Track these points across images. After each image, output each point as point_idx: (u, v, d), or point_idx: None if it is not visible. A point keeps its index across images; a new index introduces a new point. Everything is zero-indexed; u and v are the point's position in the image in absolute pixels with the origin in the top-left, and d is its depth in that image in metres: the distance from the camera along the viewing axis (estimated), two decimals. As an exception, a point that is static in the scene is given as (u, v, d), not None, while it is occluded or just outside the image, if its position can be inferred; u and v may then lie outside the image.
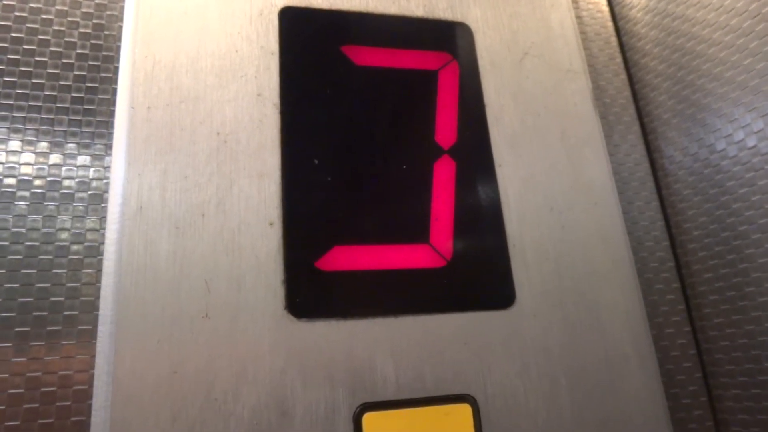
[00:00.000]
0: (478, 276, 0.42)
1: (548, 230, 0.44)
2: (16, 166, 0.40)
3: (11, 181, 0.39)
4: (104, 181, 0.41)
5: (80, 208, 0.41)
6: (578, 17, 0.54)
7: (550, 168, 0.46)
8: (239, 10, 0.44)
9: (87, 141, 0.41)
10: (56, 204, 0.40)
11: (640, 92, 0.53)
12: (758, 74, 0.42)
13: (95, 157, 0.41)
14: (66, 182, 0.40)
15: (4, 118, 0.40)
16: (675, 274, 0.49)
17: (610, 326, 0.42)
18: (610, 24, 0.55)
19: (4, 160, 0.39)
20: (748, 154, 0.43)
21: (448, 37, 0.48)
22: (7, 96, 0.41)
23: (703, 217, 0.47)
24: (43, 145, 0.41)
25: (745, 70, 0.43)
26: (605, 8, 0.56)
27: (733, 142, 0.44)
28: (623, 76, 0.53)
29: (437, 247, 0.42)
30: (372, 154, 0.43)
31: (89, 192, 0.40)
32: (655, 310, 0.48)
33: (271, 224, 0.39)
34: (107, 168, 0.41)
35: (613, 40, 0.54)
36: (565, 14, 0.51)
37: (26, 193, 0.40)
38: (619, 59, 0.54)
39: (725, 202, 0.45)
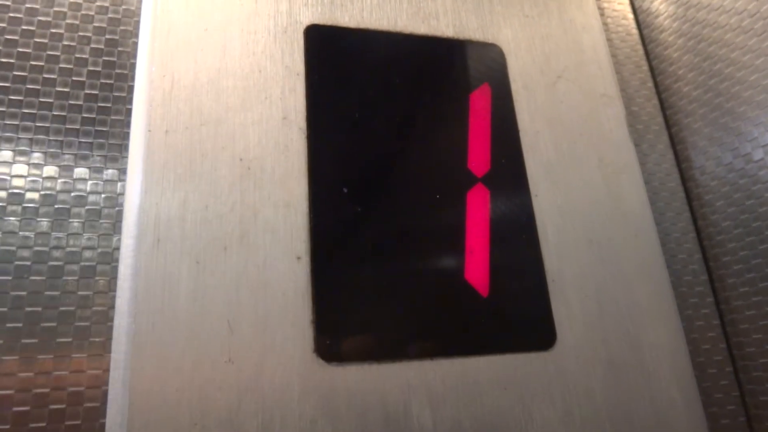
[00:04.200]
0: (517, 314, 0.39)
1: (588, 264, 0.41)
2: (21, 192, 0.37)
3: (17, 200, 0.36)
4: (117, 209, 0.38)
5: (93, 213, 0.37)
6: (608, 40, 0.52)
7: (588, 197, 0.43)
8: (263, 27, 0.41)
9: (98, 166, 0.38)
10: (66, 214, 0.37)
11: (667, 101, 0.52)
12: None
13: (107, 183, 0.38)
14: (75, 210, 0.37)
15: (9, 140, 0.37)
16: (709, 288, 0.47)
17: (655, 366, 0.40)
18: (640, 47, 0.53)
19: (8, 186, 0.36)
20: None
21: (479, 59, 0.45)
22: (13, 116, 0.37)
23: (739, 228, 0.45)
24: (50, 170, 0.37)
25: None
26: (635, 31, 0.54)
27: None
28: (655, 101, 0.51)
29: (473, 282, 0.39)
30: (403, 181, 0.40)
31: (101, 195, 0.37)
32: (690, 325, 0.46)
33: (298, 258, 0.36)
34: (120, 195, 0.38)
35: (644, 64, 0.52)
36: (597, 37, 0.49)
37: (17, 208, 0.36)
38: (650, 83, 0.52)
39: (763, 213, 0.43)
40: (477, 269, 0.39)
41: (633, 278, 0.42)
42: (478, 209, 0.41)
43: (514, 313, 0.39)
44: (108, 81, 0.40)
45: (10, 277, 0.34)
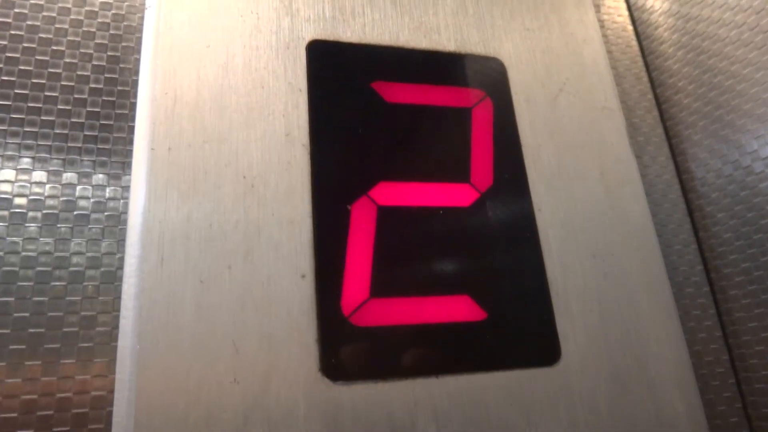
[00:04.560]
0: (522, 329, 0.39)
1: (591, 278, 0.41)
2: (24, 212, 0.36)
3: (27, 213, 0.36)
4: (120, 227, 0.38)
5: (95, 230, 0.37)
6: (608, 52, 0.53)
7: (591, 210, 0.43)
8: (265, 43, 0.41)
9: (101, 184, 0.38)
10: (69, 226, 0.37)
11: (667, 112, 0.52)
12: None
13: (110, 201, 0.38)
14: (77, 229, 0.37)
15: (10, 158, 0.37)
16: (711, 300, 0.48)
17: (658, 379, 0.40)
18: (640, 60, 0.54)
19: (10, 206, 0.36)
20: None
21: (481, 73, 0.46)
22: (15, 134, 0.37)
23: (740, 240, 0.46)
24: (52, 189, 0.37)
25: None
26: (634, 43, 0.54)
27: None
28: (655, 113, 0.52)
29: (477, 298, 0.39)
30: (406, 197, 0.40)
31: (104, 214, 0.37)
32: (693, 337, 0.46)
33: (303, 276, 0.36)
34: (123, 214, 0.38)
35: (644, 76, 0.53)
36: (597, 50, 0.49)
37: (20, 227, 0.36)
38: (650, 95, 0.52)
39: (764, 226, 0.44)
40: (481, 285, 0.39)
41: (635, 291, 0.42)
42: (481, 224, 0.41)
43: (519, 329, 0.39)
44: (110, 98, 0.39)
45: (12, 298, 0.34)
